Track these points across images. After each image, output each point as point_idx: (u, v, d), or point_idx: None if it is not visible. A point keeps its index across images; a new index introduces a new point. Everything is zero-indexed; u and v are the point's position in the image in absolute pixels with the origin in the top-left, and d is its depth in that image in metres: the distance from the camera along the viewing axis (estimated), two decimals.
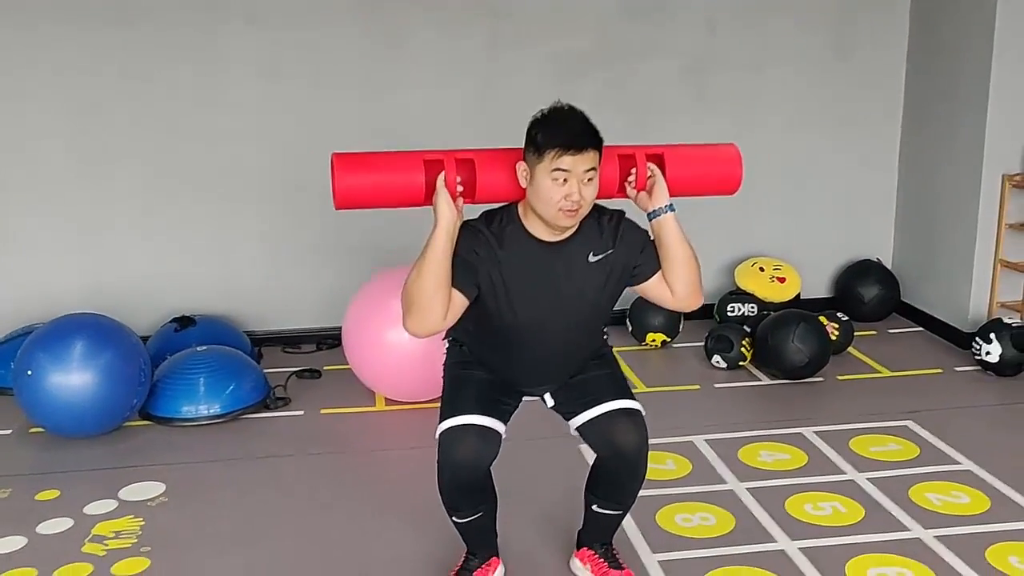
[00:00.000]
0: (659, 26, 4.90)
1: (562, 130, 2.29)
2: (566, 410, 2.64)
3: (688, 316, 4.91)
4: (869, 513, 3.20)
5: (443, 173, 2.36)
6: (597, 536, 2.80)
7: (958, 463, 3.54)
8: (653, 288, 2.52)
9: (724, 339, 4.51)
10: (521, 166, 2.36)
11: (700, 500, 3.29)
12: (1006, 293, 4.63)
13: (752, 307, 4.88)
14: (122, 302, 4.59)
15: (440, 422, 2.54)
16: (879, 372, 4.49)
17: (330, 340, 4.88)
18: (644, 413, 2.59)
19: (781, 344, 4.30)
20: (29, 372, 3.66)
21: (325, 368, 4.58)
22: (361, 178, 2.40)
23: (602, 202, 2.48)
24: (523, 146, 2.36)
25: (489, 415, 2.51)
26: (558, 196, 2.30)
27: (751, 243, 5.19)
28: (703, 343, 4.62)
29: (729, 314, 4.91)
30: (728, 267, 5.15)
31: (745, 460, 3.60)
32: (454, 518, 2.62)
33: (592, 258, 2.44)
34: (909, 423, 3.90)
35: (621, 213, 2.51)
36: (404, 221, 4.79)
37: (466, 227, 2.40)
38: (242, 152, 4.72)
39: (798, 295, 5.02)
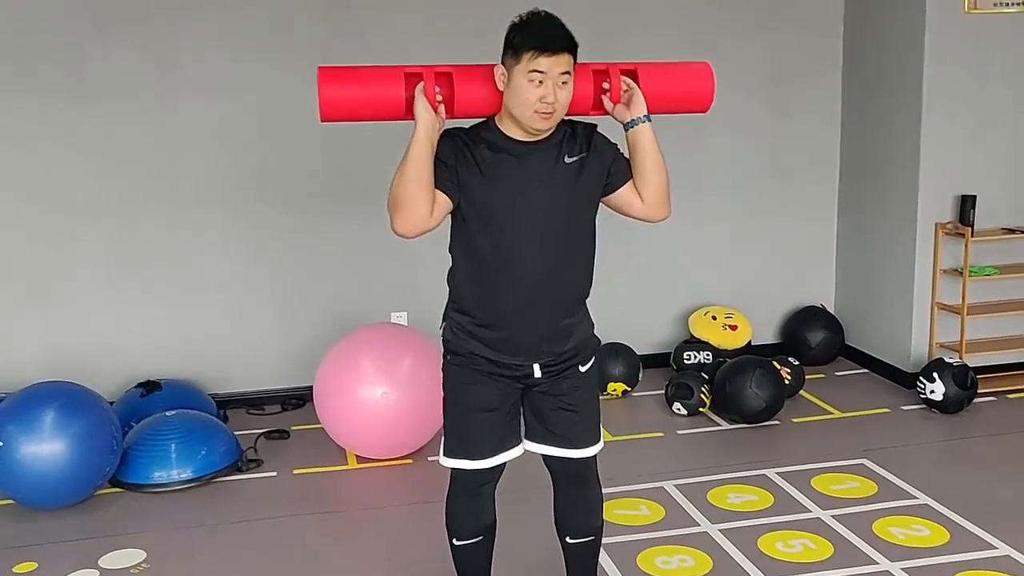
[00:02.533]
0: None
1: (539, 33, 2.39)
2: (539, 430, 2.66)
3: (646, 365, 5.10)
4: (838, 549, 3.35)
5: (422, 83, 2.46)
6: None
7: (915, 498, 3.73)
8: (624, 196, 2.59)
9: (684, 387, 4.66)
10: (499, 69, 2.46)
11: (677, 543, 3.40)
12: (944, 334, 4.88)
13: (707, 355, 5.05)
14: (84, 367, 4.55)
15: (446, 453, 2.65)
16: (831, 413, 4.68)
17: (295, 400, 4.91)
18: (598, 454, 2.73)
19: (739, 390, 4.47)
20: (0, 443, 3.62)
21: (292, 428, 4.60)
22: (344, 90, 2.48)
23: (576, 119, 2.59)
24: (502, 50, 2.46)
25: (492, 455, 2.62)
26: (534, 97, 2.38)
27: (703, 293, 5.38)
28: (663, 391, 4.78)
29: (686, 362, 5.08)
30: (682, 316, 5.34)
31: (715, 502, 3.73)
32: (455, 540, 2.73)
33: (567, 159, 2.51)
34: (865, 461, 4.08)
35: (594, 126, 2.60)
36: (364, 284, 4.96)
37: (445, 133, 2.49)
38: (202, 216, 4.75)
39: (749, 342, 5.22)
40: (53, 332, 4.66)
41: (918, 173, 4.79)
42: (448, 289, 2.66)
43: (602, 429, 2.76)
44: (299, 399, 4.91)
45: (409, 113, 2.47)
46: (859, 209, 5.32)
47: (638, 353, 5.04)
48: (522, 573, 3.17)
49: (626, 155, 2.60)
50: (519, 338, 2.56)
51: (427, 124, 2.43)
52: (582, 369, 2.67)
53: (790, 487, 3.85)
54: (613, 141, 2.61)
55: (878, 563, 3.24)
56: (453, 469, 2.68)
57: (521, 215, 2.49)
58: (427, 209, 2.42)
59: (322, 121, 2.54)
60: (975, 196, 4.74)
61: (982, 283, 4.82)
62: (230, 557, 3.41)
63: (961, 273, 4.77)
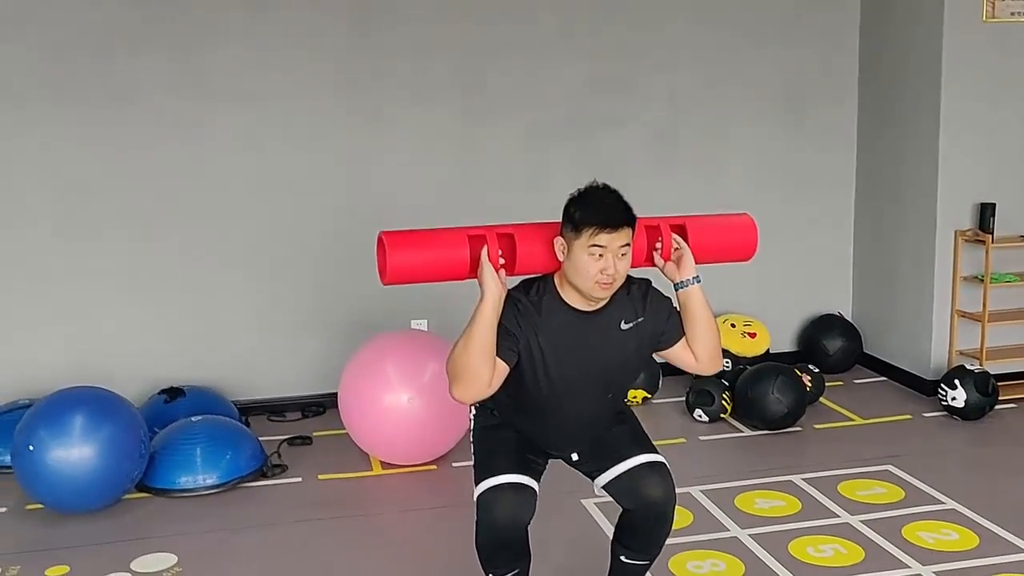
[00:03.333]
0: (625, 98, 5.14)
1: (599, 209, 2.44)
2: (590, 469, 2.75)
3: (666, 373, 5.11)
4: (869, 553, 3.35)
5: (486, 248, 2.49)
6: None
7: (942, 503, 3.74)
8: (678, 353, 2.67)
9: (705, 393, 4.67)
10: (559, 241, 2.50)
11: (707, 548, 3.41)
12: (964, 341, 4.90)
13: (727, 362, 5.07)
14: (107, 374, 4.55)
15: (477, 483, 2.62)
16: (853, 420, 4.69)
17: (315, 407, 4.92)
18: (668, 464, 2.71)
19: (761, 396, 4.49)
20: (31, 447, 3.63)
21: (314, 434, 4.60)
22: (410, 255, 2.50)
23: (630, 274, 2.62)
24: (560, 222, 2.50)
25: (524, 473, 2.61)
26: (594, 270, 2.44)
27: (722, 301, 5.39)
28: (684, 398, 4.79)
29: None
30: None
31: (742, 508, 3.74)
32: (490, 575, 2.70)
33: (624, 326, 2.59)
34: (890, 467, 4.09)
35: (648, 283, 2.66)
36: (384, 292, 4.95)
37: (507, 297, 2.51)
38: (226, 224, 4.78)
39: (768, 349, 5.23)
40: (77, 339, 4.67)
41: (937, 180, 4.82)
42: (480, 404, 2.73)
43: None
44: (319, 406, 4.92)
45: (472, 274, 2.50)
46: (876, 217, 5.34)
47: (658, 361, 5.04)
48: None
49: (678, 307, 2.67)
50: (559, 445, 2.74)
51: (495, 295, 2.45)
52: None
53: (817, 492, 3.86)
54: (666, 296, 2.67)
55: (910, 567, 3.25)
56: (480, 504, 2.57)
57: (577, 376, 2.57)
58: (488, 379, 2.44)
59: (385, 285, 2.55)
60: (994, 204, 4.77)
61: (1002, 290, 4.84)
62: (260, 561, 3.41)
63: (981, 280, 4.79)
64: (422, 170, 4.93)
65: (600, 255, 2.43)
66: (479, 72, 4.97)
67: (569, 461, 2.78)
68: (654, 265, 2.67)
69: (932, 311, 4.92)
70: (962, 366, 4.64)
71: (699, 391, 4.70)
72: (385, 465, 4.23)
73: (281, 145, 4.79)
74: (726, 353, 5.10)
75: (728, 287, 5.39)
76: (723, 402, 4.65)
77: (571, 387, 2.59)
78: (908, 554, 3.33)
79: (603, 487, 2.73)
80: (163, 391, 4.54)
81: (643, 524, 2.71)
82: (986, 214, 4.78)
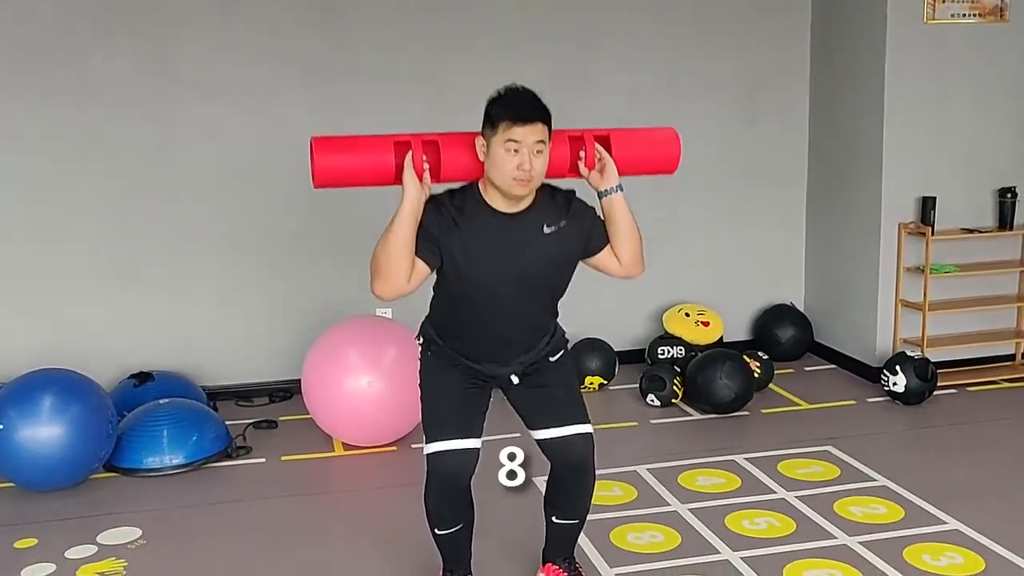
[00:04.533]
0: (584, 94, 5.31)
1: (514, 105, 2.57)
2: (528, 418, 2.89)
3: (622, 360, 5.29)
4: (800, 525, 3.54)
5: (411, 153, 2.62)
6: (560, 551, 3.06)
7: (875, 480, 3.93)
8: (602, 259, 2.80)
9: (657, 379, 4.85)
10: (479, 140, 2.64)
11: (648, 521, 3.59)
12: (907, 330, 5.10)
13: (680, 349, 5.25)
14: (78, 359, 4.66)
15: (426, 443, 2.79)
16: (799, 405, 4.89)
17: (282, 392, 5.07)
18: (593, 434, 2.87)
19: (710, 382, 4.67)
20: (0, 426, 3.76)
21: (280, 418, 4.75)
22: (338, 159, 2.64)
23: (554, 182, 2.77)
24: (482, 123, 2.63)
25: (467, 435, 2.78)
26: (511, 165, 2.55)
27: (677, 291, 5.59)
28: (637, 384, 4.97)
29: (660, 356, 5.27)
30: (656, 314, 5.54)
31: (684, 485, 3.92)
32: (436, 530, 2.88)
33: (546, 229, 2.70)
34: (830, 448, 4.28)
35: (572, 192, 2.79)
36: (351, 281, 5.12)
37: (431, 201, 2.65)
38: (195, 213, 4.94)
39: (721, 338, 5.42)
40: (48, 325, 4.81)
41: (881, 176, 5.02)
42: (429, 305, 2.87)
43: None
44: (286, 391, 5.07)
45: (398, 179, 2.62)
46: (827, 211, 5.54)
47: (615, 349, 5.24)
48: (499, 547, 3.34)
49: (602, 218, 2.79)
50: (496, 367, 2.82)
51: (413, 197, 2.58)
52: (552, 359, 2.89)
53: (757, 471, 4.04)
54: (590, 205, 2.79)
55: (836, 538, 3.44)
56: (429, 461, 2.76)
57: (499, 283, 2.68)
58: (406, 276, 2.58)
59: (315, 187, 2.68)
60: (935, 197, 4.97)
61: (943, 281, 5.04)
62: (223, 535, 3.57)
63: (923, 271, 4.99)
64: None
65: (516, 151, 2.54)
66: (442, 66, 5.13)
67: (509, 387, 2.86)
68: (579, 175, 2.78)
69: (877, 301, 5.12)
70: (903, 352, 4.83)
71: (652, 377, 4.88)
72: (347, 447, 4.38)
73: (248, 135, 4.93)
74: (679, 341, 5.29)
75: (684, 278, 5.60)
76: (674, 387, 4.83)
77: (494, 287, 2.67)
78: (837, 527, 3.52)
79: (536, 440, 2.88)
80: (132, 376, 4.68)
81: (568, 484, 2.89)
82: (927, 207, 4.97)
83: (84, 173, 4.78)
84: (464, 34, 5.15)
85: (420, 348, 2.92)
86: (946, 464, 4.11)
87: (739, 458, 4.18)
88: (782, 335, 5.55)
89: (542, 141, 2.59)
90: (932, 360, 4.82)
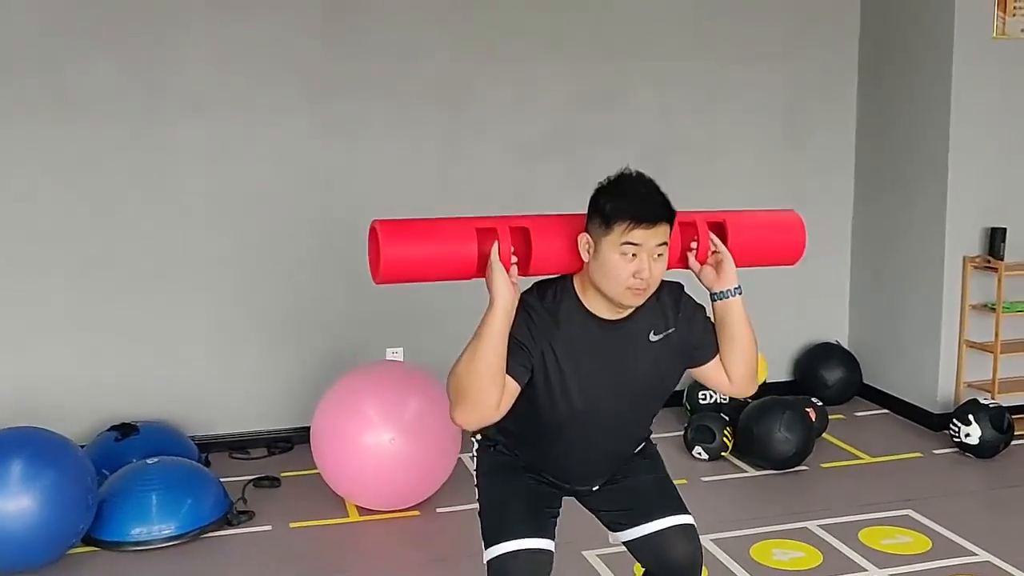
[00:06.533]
0: (613, 114, 4.85)
1: (634, 200, 2.10)
2: (612, 520, 2.44)
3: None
4: None
5: (497, 244, 2.13)
6: None
7: (975, 554, 3.45)
8: (711, 372, 2.34)
9: (705, 429, 4.36)
10: (584, 238, 2.16)
11: None
12: (972, 373, 4.66)
13: (724, 395, 4.77)
14: (53, 408, 4.13)
15: (488, 545, 2.28)
16: (861, 458, 4.41)
17: (282, 443, 4.52)
18: (696, 527, 2.40)
19: (767, 434, 4.18)
20: None
21: (282, 474, 4.20)
22: (408, 249, 2.11)
23: None
24: (586, 215, 2.16)
25: (539, 535, 2.27)
26: (626, 273, 2.10)
27: None
28: (681, 434, 4.48)
29: (700, 402, 4.78)
30: None
31: (759, 559, 3.42)
32: None
33: (653, 337, 2.25)
34: (909, 512, 3.81)
35: (680, 287, 2.33)
36: (356, 319, 4.59)
37: (521, 305, 2.15)
38: (182, 245, 4.38)
39: (765, 380, 4.94)
40: (18, 373, 4.21)
41: (945, 204, 4.58)
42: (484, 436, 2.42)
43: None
44: (286, 441, 4.53)
45: (479, 272, 2.15)
46: (875, 243, 5.10)
47: None
48: None
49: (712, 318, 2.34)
50: (576, 479, 2.41)
51: (507, 300, 2.09)
52: (634, 451, 2.45)
53: (837, 542, 3.55)
54: (700, 303, 2.34)
55: None
56: (494, 568, 2.25)
57: (599, 402, 2.23)
58: (496, 400, 2.09)
59: (377, 284, 2.17)
60: (1005, 228, 4.54)
61: (1012, 319, 4.61)
62: None
63: (991, 308, 4.56)
64: (401, 187, 4.56)
65: (634, 255, 2.09)
66: (465, 84, 4.64)
67: (587, 495, 2.45)
68: (687, 267, 2.32)
69: (940, 341, 4.67)
70: (975, 400, 4.38)
71: (698, 427, 4.38)
72: (362, 511, 3.84)
73: (245, 159, 4.40)
74: None
75: None
76: (724, 439, 4.34)
77: (593, 409, 2.23)
78: None
79: (625, 543, 2.41)
80: (113, 427, 4.11)
81: None
82: (996, 239, 4.55)
83: (59, 195, 4.19)
84: (487, 52, 4.65)
85: (478, 443, 2.45)
86: None
87: (812, 525, 3.69)
88: (829, 377, 5.08)
89: (664, 243, 2.12)
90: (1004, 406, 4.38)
